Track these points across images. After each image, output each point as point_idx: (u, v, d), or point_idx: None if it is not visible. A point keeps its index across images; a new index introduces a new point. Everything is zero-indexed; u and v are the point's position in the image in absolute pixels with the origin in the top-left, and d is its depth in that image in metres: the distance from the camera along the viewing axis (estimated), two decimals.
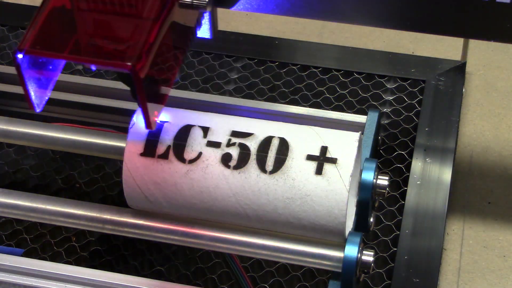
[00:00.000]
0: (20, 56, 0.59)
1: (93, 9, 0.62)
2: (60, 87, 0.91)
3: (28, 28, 0.60)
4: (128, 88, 0.63)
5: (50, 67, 0.62)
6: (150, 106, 0.61)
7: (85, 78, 0.96)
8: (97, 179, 0.90)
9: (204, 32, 0.71)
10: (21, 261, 0.72)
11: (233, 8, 0.74)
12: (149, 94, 0.61)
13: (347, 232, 0.67)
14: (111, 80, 0.96)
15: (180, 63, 0.67)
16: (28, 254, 0.83)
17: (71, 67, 1.01)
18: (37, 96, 0.61)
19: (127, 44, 0.60)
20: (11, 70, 0.95)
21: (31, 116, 0.89)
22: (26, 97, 0.61)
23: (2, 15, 1.07)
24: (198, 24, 0.70)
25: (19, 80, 0.60)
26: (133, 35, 0.60)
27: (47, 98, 0.63)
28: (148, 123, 0.62)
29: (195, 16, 0.69)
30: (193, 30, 0.69)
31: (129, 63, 0.58)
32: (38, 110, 0.62)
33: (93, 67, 0.63)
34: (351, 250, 0.67)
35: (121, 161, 0.69)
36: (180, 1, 0.65)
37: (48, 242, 0.85)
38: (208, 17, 0.71)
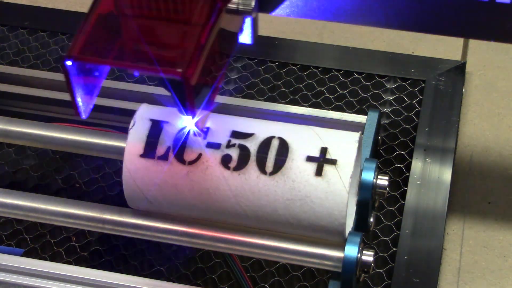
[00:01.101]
0: (69, 63, 0.58)
1: (140, 15, 0.61)
2: (61, 87, 0.91)
3: (76, 35, 0.59)
4: (168, 93, 0.63)
5: (96, 74, 0.61)
6: (198, 113, 0.61)
7: None
8: (97, 179, 0.90)
9: (245, 37, 0.71)
10: (21, 261, 0.72)
11: (275, 14, 0.74)
12: (196, 101, 0.60)
13: (347, 232, 0.67)
14: (111, 80, 0.96)
15: (225, 69, 0.66)
16: (28, 254, 0.82)
17: None
18: (83, 102, 0.60)
19: (176, 50, 0.59)
20: (11, 70, 0.95)
21: (31, 116, 0.89)
22: (73, 103, 0.60)
23: (2, 15, 1.07)
24: (241, 29, 0.69)
25: (67, 86, 0.59)
26: (182, 41, 0.59)
27: (92, 104, 0.62)
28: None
29: (239, 21, 0.68)
30: (236, 35, 0.68)
31: (179, 70, 0.57)
32: (84, 116, 0.61)
33: (137, 73, 0.62)
34: (351, 250, 0.67)
35: (121, 161, 0.69)
36: (227, 7, 0.64)
37: (48, 242, 0.84)
38: (250, 22, 0.70)
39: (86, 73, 0.60)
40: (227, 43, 0.65)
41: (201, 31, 0.59)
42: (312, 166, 0.66)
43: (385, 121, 0.93)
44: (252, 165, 0.66)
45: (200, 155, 0.67)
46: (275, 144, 0.67)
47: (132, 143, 0.68)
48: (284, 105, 0.90)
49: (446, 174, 0.86)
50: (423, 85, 0.95)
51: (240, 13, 0.66)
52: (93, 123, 0.89)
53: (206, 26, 0.60)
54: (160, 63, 0.58)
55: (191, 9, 0.61)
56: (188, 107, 0.59)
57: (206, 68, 0.60)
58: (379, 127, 0.83)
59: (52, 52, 1.02)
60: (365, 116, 0.81)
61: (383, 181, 0.71)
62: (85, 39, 0.59)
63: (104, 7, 0.61)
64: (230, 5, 0.65)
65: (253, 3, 0.65)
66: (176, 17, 0.61)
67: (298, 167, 0.66)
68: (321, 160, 0.66)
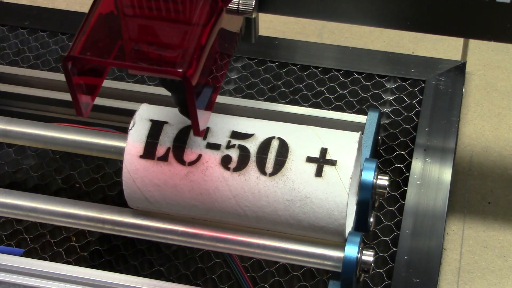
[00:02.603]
0: (69, 62, 0.58)
1: (140, 15, 0.61)
2: (61, 87, 0.91)
3: (77, 35, 0.59)
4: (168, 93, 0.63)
5: (97, 73, 0.61)
6: (199, 113, 0.60)
7: None
8: (97, 179, 0.90)
9: (246, 37, 0.71)
10: (21, 261, 0.72)
11: (276, 13, 0.74)
12: (197, 101, 0.60)
13: (347, 232, 0.67)
14: (111, 80, 0.96)
15: (226, 69, 0.66)
16: (28, 254, 0.83)
17: None
18: (84, 102, 0.60)
19: (176, 50, 0.59)
20: (11, 70, 0.95)
21: (31, 116, 0.89)
22: (74, 103, 0.60)
23: (2, 15, 1.07)
24: (242, 29, 0.69)
25: (68, 86, 0.59)
26: (182, 42, 0.59)
27: (92, 104, 0.62)
28: (196, 131, 0.61)
29: (240, 22, 0.68)
30: (237, 35, 0.68)
31: (180, 70, 0.56)
32: (84, 116, 0.61)
33: (140, 74, 0.62)
34: (351, 250, 0.67)
35: (121, 161, 0.69)
36: (227, 7, 0.64)
37: (48, 242, 0.85)
38: (252, 22, 0.70)
39: (86, 73, 0.60)
40: (227, 43, 0.65)
41: (201, 31, 0.59)
42: (312, 167, 0.66)
43: (385, 121, 0.93)
44: (252, 166, 0.66)
45: (200, 156, 0.67)
46: (275, 144, 0.67)
47: (132, 143, 0.68)
48: (284, 105, 0.90)
49: (446, 174, 0.86)
50: (423, 85, 0.95)
51: (241, 13, 0.65)
52: (93, 123, 0.89)
53: (207, 26, 0.60)
54: (160, 64, 0.58)
55: (192, 9, 0.61)
56: (189, 107, 0.59)
57: (206, 68, 0.60)
58: (379, 127, 0.83)
59: (52, 52, 1.02)
60: (365, 116, 0.81)
61: (383, 181, 0.71)
62: (86, 39, 0.59)
63: (104, 7, 0.61)
64: (231, 5, 0.65)
65: (253, 3, 0.65)
66: (176, 17, 0.61)
67: (298, 167, 0.66)
68: (321, 161, 0.66)
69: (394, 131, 0.92)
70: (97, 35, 0.60)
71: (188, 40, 0.59)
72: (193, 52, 0.58)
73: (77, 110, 0.60)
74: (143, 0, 0.61)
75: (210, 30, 0.60)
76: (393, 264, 0.79)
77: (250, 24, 0.71)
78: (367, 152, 0.76)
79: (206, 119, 0.63)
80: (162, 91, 0.92)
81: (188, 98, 0.58)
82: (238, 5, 0.65)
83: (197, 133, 0.61)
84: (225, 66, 0.66)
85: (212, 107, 0.64)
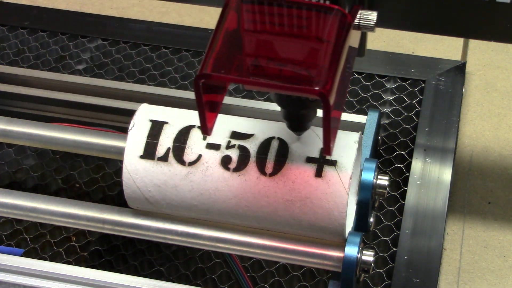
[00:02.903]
0: (201, 80, 0.56)
1: (268, 32, 0.59)
2: (60, 87, 0.91)
3: (207, 52, 0.57)
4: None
5: (220, 90, 0.60)
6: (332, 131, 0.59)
7: (85, 78, 0.97)
8: (97, 179, 0.90)
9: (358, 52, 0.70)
10: (21, 261, 0.72)
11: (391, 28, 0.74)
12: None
13: (347, 232, 0.67)
14: (111, 80, 0.96)
15: (348, 86, 0.65)
16: (28, 254, 0.83)
17: (71, 67, 1.01)
18: (210, 119, 0.59)
19: (310, 68, 0.57)
20: (11, 70, 0.95)
21: (31, 116, 0.89)
22: (201, 121, 0.58)
23: (2, 15, 1.07)
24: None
25: (197, 104, 0.57)
26: (316, 59, 0.57)
27: (215, 121, 0.60)
28: (327, 149, 0.58)
29: (358, 37, 0.67)
30: (355, 51, 0.66)
31: (317, 88, 0.55)
32: (210, 134, 0.59)
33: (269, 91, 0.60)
34: (351, 250, 0.67)
35: (121, 161, 0.69)
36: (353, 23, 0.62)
37: (48, 242, 0.85)
38: (364, 37, 0.70)
39: (212, 90, 0.58)
40: (350, 59, 0.63)
41: (334, 47, 0.57)
42: (312, 167, 0.66)
43: (385, 121, 0.93)
44: (252, 166, 0.66)
45: (200, 156, 0.67)
46: (274, 145, 0.67)
47: (132, 143, 0.68)
48: None
49: (446, 174, 0.86)
50: (423, 85, 0.95)
51: (362, 29, 0.64)
52: (93, 123, 0.89)
53: (339, 42, 0.58)
54: (295, 81, 0.56)
55: (322, 25, 0.59)
56: (324, 125, 0.57)
57: (338, 85, 0.58)
58: (379, 127, 0.83)
59: (52, 52, 1.02)
60: (365, 116, 0.81)
61: (383, 181, 0.71)
62: (216, 56, 0.57)
63: (230, 23, 0.59)
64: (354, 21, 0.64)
65: (375, 19, 0.63)
66: (307, 34, 0.59)
67: (298, 168, 0.66)
68: (321, 161, 0.66)
69: (394, 131, 0.92)
70: (225, 52, 0.58)
71: (322, 57, 0.57)
72: (328, 70, 0.56)
73: (204, 128, 0.59)
74: (270, 17, 0.59)
75: (343, 46, 0.58)
76: (393, 264, 0.79)
77: (363, 38, 0.71)
78: (367, 152, 0.76)
79: (334, 137, 0.60)
80: (162, 91, 0.92)
81: (324, 117, 0.56)
82: (360, 21, 0.64)
83: (329, 152, 0.58)
84: (348, 82, 0.64)
85: (338, 125, 0.62)
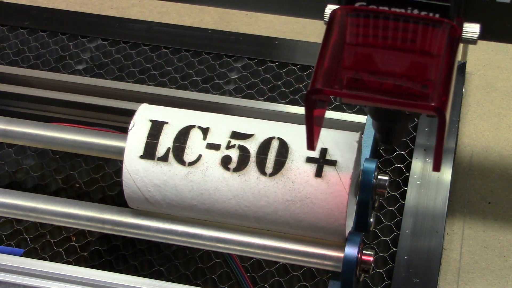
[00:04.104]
0: (314, 96, 0.55)
1: (375, 46, 0.58)
2: (60, 87, 0.92)
3: (317, 67, 0.56)
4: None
5: (324, 105, 0.59)
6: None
7: (85, 78, 0.97)
8: (97, 179, 0.90)
9: None
10: (21, 261, 0.72)
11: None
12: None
13: (347, 232, 0.67)
14: (111, 80, 0.97)
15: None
16: (28, 254, 0.83)
17: (71, 67, 1.01)
18: (316, 134, 0.58)
19: (422, 83, 0.56)
20: (11, 70, 0.95)
21: (31, 116, 0.89)
22: (309, 136, 0.57)
23: (2, 15, 1.07)
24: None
25: (306, 120, 0.56)
26: (427, 73, 0.56)
27: (319, 135, 0.60)
28: (438, 166, 0.57)
29: (460, 49, 0.65)
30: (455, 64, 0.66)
31: (433, 104, 0.54)
32: (315, 149, 0.58)
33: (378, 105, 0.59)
34: (351, 250, 0.67)
35: (121, 161, 0.69)
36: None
37: (48, 242, 0.85)
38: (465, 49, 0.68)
39: (319, 105, 0.57)
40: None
41: (445, 61, 0.56)
42: (312, 167, 0.66)
43: None
44: (252, 166, 0.66)
45: (200, 156, 0.67)
46: (275, 145, 0.67)
47: (132, 144, 0.68)
48: (284, 105, 0.90)
49: (446, 174, 0.86)
50: None
51: (464, 42, 0.63)
52: (93, 123, 0.89)
53: (451, 55, 0.57)
54: (409, 97, 0.54)
55: (433, 39, 0.58)
56: (437, 139, 0.56)
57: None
58: None
59: (52, 52, 1.02)
60: (365, 116, 0.81)
61: (383, 181, 0.71)
62: (324, 72, 0.56)
63: (336, 36, 0.58)
64: None
65: (478, 31, 0.63)
66: (416, 48, 0.58)
67: (298, 168, 0.66)
68: (321, 161, 0.66)
69: None
70: (332, 66, 0.57)
71: (435, 72, 0.56)
72: (442, 84, 0.55)
73: (310, 143, 0.58)
74: (383, 32, 0.58)
75: (454, 60, 0.57)
76: (393, 264, 0.79)
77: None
78: (367, 152, 0.76)
79: (318, 136, 0.59)
80: (162, 91, 0.92)
81: (439, 132, 0.55)
82: (463, 34, 0.63)
83: (438, 168, 0.57)
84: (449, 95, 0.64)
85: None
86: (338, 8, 0.59)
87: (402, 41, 0.58)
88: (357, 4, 0.60)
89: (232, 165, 0.66)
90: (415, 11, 0.59)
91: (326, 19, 0.61)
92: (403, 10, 0.59)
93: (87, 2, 1.17)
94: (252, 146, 0.67)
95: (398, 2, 0.58)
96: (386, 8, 0.59)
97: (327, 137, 0.67)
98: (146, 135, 0.68)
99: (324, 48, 0.58)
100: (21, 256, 0.74)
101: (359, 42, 0.59)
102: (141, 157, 0.68)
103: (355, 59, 0.58)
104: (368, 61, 0.58)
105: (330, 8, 0.61)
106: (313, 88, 0.55)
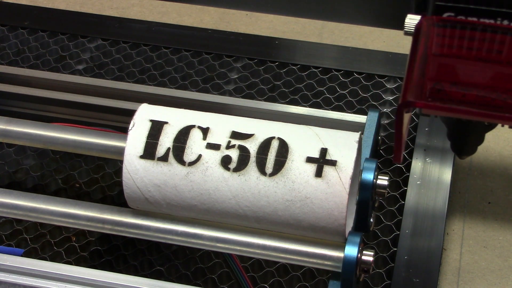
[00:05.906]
0: (406, 108, 0.55)
1: (464, 57, 0.57)
2: (60, 87, 0.91)
3: (406, 79, 0.56)
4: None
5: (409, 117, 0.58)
6: None
7: (85, 78, 0.97)
8: (97, 179, 0.90)
9: None
10: (21, 261, 0.72)
11: None
12: None
13: (347, 232, 0.67)
14: (111, 80, 0.96)
15: None
16: (28, 254, 0.82)
17: (71, 67, 1.01)
18: (404, 146, 0.58)
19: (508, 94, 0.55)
20: (11, 70, 0.95)
21: (31, 116, 0.89)
22: (397, 148, 0.57)
23: (2, 15, 1.07)
24: None
25: (396, 132, 0.56)
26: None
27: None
28: None
29: None
30: None
31: None
32: (400, 162, 0.58)
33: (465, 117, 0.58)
34: (351, 250, 0.67)
35: (121, 161, 0.69)
36: None
37: (48, 242, 0.85)
38: None
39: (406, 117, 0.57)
40: None
41: None
42: (312, 167, 0.66)
43: (385, 121, 0.93)
44: (252, 166, 0.66)
45: (200, 156, 0.67)
46: (275, 145, 0.67)
47: (132, 144, 0.68)
48: (284, 105, 0.90)
49: (446, 174, 0.86)
50: None
51: None
52: (93, 123, 0.89)
53: None
54: (501, 110, 0.54)
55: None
56: None
57: None
58: (379, 127, 0.83)
59: (52, 52, 1.02)
60: (365, 116, 0.81)
61: (383, 181, 0.71)
62: (414, 84, 0.56)
63: (422, 48, 0.58)
64: None
65: None
66: (504, 59, 0.57)
67: (298, 168, 0.66)
68: (321, 161, 0.66)
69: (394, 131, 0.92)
70: (421, 78, 0.56)
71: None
72: None
73: (398, 156, 0.57)
74: (475, 43, 0.58)
75: None
76: (393, 264, 0.79)
77: None
78: (367, 152, 0.76)
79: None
80: (162, 91, 0.92)
81: None
82: None
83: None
84: None
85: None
86: (424, 18, 0.59)
87: (490, 52, 0.57)
88: (445, 15, 0.59)
89: (232, 165, 0.66)
90: (505, 22, 0.58)
91: (407, 29, 0.60)
92: (492, 21, 0.58)
93: (87, 2, 1.17)
94: (252, 146, 0.67)
95: (488, 12, 0.58)
96: (475, 19, 0.58)
97: (327, 137, 0.67)
98: (146, 135, 0.68)
99: (412, 59, 0.57)
100: (21, 256, 0.73)
101: (444, 52, 0.58)
102: (141, 157, 0.68)
103: (442, 70, 0.57)
104: (456, 72, 0.57)
105: (410, 18, 0.60)
106: (405, 100, 0.54)
